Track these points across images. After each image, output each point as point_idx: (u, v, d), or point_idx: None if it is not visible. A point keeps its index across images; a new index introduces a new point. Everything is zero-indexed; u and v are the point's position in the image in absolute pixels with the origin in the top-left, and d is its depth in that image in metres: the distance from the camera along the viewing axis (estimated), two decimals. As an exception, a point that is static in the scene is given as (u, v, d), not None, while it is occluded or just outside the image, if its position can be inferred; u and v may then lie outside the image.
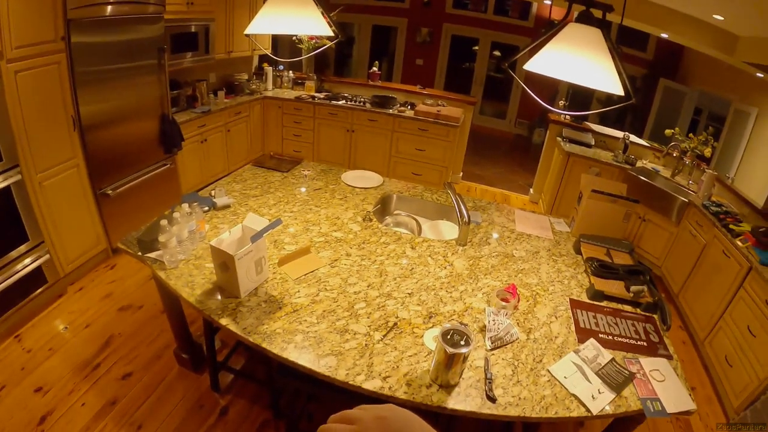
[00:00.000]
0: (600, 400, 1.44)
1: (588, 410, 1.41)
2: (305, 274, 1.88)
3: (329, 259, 2.01)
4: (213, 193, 2.36)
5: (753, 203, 3.27)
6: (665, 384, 1.55)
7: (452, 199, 2.28)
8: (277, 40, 5.75)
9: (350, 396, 1.41)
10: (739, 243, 2.79)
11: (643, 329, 1.81)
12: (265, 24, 1.71)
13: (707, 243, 3.17)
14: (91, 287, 2.99)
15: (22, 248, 2.51)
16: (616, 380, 1.53)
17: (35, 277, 2.62)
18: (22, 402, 2.17)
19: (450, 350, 1.30)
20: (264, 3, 1.75)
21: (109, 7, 2.72)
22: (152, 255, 1.88)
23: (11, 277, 2.45)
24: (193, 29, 3.77)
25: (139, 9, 2.94)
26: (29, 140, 2.46)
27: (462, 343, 1.33)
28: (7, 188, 2.37)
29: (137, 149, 3.23)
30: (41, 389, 2.25)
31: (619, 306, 1.93)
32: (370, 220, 2.39)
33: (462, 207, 2.22)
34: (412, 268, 2.02)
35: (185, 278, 1.78)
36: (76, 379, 2.32)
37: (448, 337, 1.34)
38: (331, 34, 1.90)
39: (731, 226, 2.97)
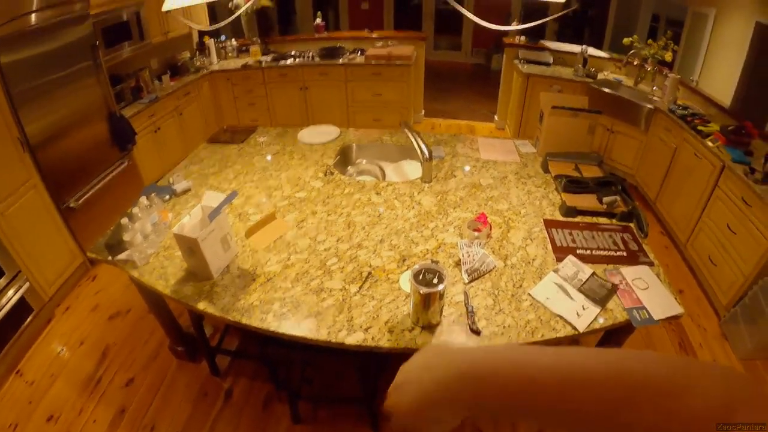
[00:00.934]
0: (585, 316, 1.45)
1: (574, 328, 1.42)
2: (273, 242, 1.86)
3: (295, 221, 1.99)
4: (171, 180, 2.29)
5: (719, 103, 3.27)
6: (649, 291, 1.56)
7: (410, 137, 2.24)
8: (215, 13, 5.48)
9: (340, 353, 1.42)
10: (710, 143, 2.79)
11: (621, 239, 1.82)
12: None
13: (677, 147, 3.17)
14: (78, 304, 2.95)
15: (1, 282, 2.46)
16: (599, 294, 1.53)
17: (21, 309, 2.57)
18: None
19: (424, 290, 1.30)
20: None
21: (33, 16, 2.54)
22: (122, 256, 1.83)
23: None
24: (124, 17, 3.56)
25: (63, 11, 2.75)
26: None
27: (435, 281, 1.32)
28: None
29: (92, 154, 3.12)
30: (52, 417, 2.25)
31: (594, 219, 1.93)
32: (332, 173, 2.35)
33: (421, 144, 2.18)
34: (380, 214, 2.00)
35: (158, 271, 1.75)
36: (82, 398, 2.33)
37: (420, 277, 1.33)
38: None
39: (699, 128, 2.97)
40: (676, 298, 1.52)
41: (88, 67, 3.01)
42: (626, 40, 4.00)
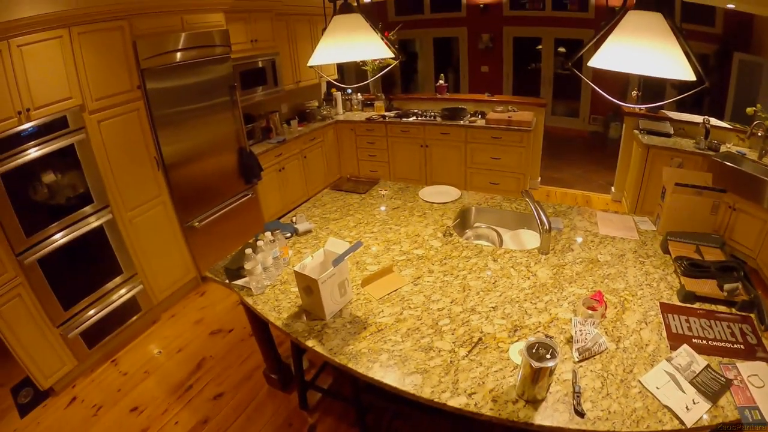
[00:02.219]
0: (694, 411, 1.36)
1: (682, 422, 1.33)
2: (388, 294, 1.93)
3: (412, 276, 2.05)
4: (294, 219, 2.49)
5: None
6: (765, 390, 1.43)
7: (531, 207, 2.24)
8: (342, 65, 5.94)
9: (435, 412, 1.43)
10: None
11: (740, 330, 1.68)
12: (325, 54, 1.79)
13: None
14: (183, 313, 3.21)
15: (117, 280, 2.78)
16: (712, 389, 1.43)
17: (130, 306, 2.88)
18: (118, 421, 2.36)
19: (536, 364, 1.29)
20: (323, 33, 1.82)
21: (179, 54, 2.96)
22: (239, 282, 2.01)
23: (108, 306, 2.73)
24: (260, 64, 4.00)
25: (206, 52, 3.17)
26: (117, 182, 2.72)
27: (548, 356, 1.31)
28: (100, 227, 2.64)
29: (219, 182, 3.46)
30: (137, 409, 2.42)
31: (713, 307, 1.81)
32: (451, 234, 2.40)
33: (542, 214, 2.17)
34: (495, 281, 2.01)
35: (272, 303, 1.89)
36: (170, 399, 2.49)
37: (534, 350, 1.33)
38: (392, 55, 1.93)
39: None
40: None
41: (225, 102, 3.40)
42: (749, 110, 3.73)
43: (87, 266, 2.65)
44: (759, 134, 3.69)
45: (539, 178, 5.35)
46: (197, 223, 3.29)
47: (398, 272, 2.08)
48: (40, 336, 2.42)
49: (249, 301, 1.92)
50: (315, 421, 2.37)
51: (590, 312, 1.68)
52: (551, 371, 1.32)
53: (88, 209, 2.60)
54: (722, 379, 1.46)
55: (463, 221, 2.71)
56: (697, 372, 1.49)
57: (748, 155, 3.76)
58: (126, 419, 2.38)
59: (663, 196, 2.42)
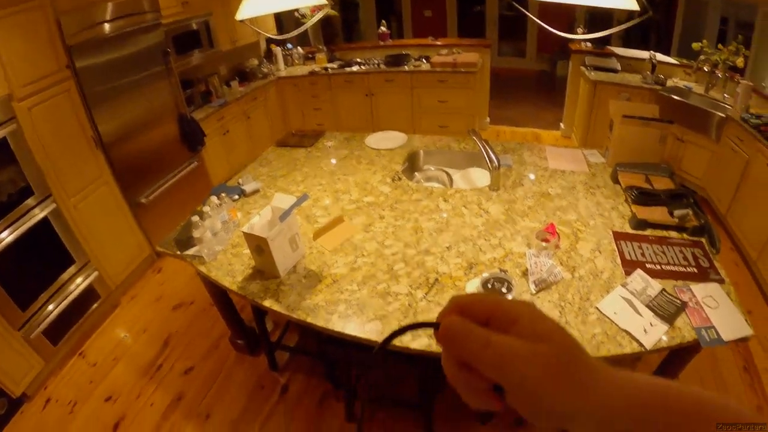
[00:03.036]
0: (653, 334, 1.39)
1: (641, 345, 1.36)
2: (341, 244, 1.89)
3: (363, 224, 2.01)
4: (240, 181, 2.39)
5: None
6: (719, 310, 1.48)
7: (479, 145, 2.22)
8: (281, 21, 5.68)
9: (401, 358, 1.42)
10: None
11: (692, 255, 1.73)
12: (254, 5, 1.67)
13: (750, 158, 2.97)
14: (143, 293, 3.10)
15: (71, 270, 2.63)
16: (668, 311, 1.47)
17: (88, 295, 2.74)
18: (94, 413, 2.29)
19: (492, 299, 1.27)
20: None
21: (107, 26, 2.73)
22: (191, 252, 1.92)
23: (66, 299, 2.58)
24: (194, 27, 3.75)
25: (136, 20, 2.94)
26: (56, 169, 2.53)
27: (504, 290, 1.30)
28: (45, 218, 2.46)
29: (162, 154, 3.29)
30: (111, 398, 2.36)
31: (665, 233, 1.85)
32: (400, 179, 2.37)
33: (490, 152, 2.16)
34: (448, 221, 1.99)
35: (225, 268, 1.82)
36: (141, 382, 2.43)
37: (489, 285, 1.32)
38: (324, 1, 1.85)
39: None
40: (746, 320, 1.43)
41: (160, 71, 3.18)
42: (695, 45, 3.79)
43: (38, 261, 2.49)
44: (705, 69, 3.75)
45: (488, 118, 5.37)
46: (144, 199, 3.13)
47: (349, 221, 2.04)
48: (2, 342, 2.27)
49: (202, 269, 1.84)
50: (286, 380, 2.37)
51: (544, 244, 1.69)
52: (509, 304, 1.31)
53: (30, 202, 2.41)
54: (677, 301, 1.50)
55: (411, 165, 2.68)
56: (653, 296, 1.53)
57: (695, 89, 3.83)
58: (102, 410, 2.32)
59: (611, 128, 2.44)
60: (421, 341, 1.39)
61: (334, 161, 2.64)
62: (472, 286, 1.58)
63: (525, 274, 1.63)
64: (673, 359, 1.68)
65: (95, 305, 2.81)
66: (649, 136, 2.30)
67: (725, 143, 3.31)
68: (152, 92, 3.16)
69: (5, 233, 2.29)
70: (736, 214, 3.18)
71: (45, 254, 2.52)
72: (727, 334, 1.39)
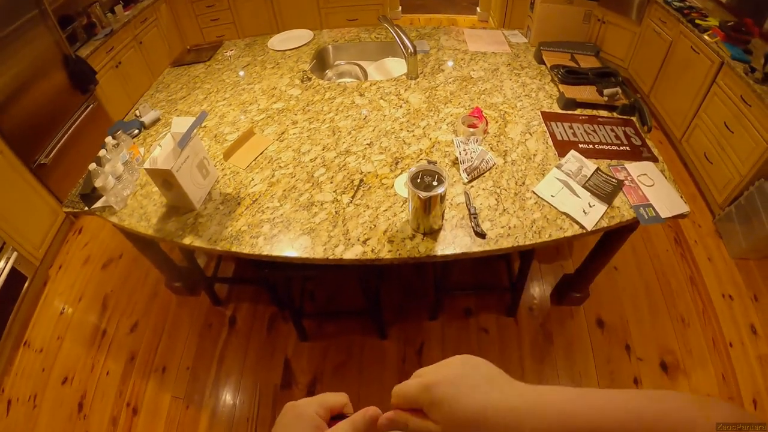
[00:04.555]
0: (592, 214, 1.38)
1: (582, 227, 1.34)
2: (255, 159, 1.72)
3: (275, 134, 1.84)
4: (138, 112, 2.12)
5: None
6: (655, 188, 1.48)
7: (391, 32, 2.05)
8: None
9: (339, 266, 1.34)
10: (707, 38, 2.60)
11: (624, 133, 1.71)
12: None
13: (674, 40, 2.99)
14: (69, 260, 2.87)
15: None
16: (605, 191, 1.45)
17: (14, 279, 2.48)
18: (57, 400, 2.18)
19: (423, 194, 1.19)
20: None
21: None
22: (98, 204, 1.71)
23: None
24: (60, -48, 3.18)
25: None
26: None
27: (435, 183, 1.21)
28: None
29: (54, 105, 2.90)
30: (67, 379, 2.24)
31: (594, 112, 1.81)
32: (309, 79, 2.18)
33: (404, 38, 2.00)
34: (365, 117, 1.86)
35: (138, 212, 1.63)
36: (92, 353, 2.32)
37: (419, 180, 1.22)
38: None
39: (697, 21, 2.77)
40: (681, 196, 1.44)
41: (33, 17, 2.73)
42: None
43: None
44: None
45: (400, 8, 5.18)
46: (45, 159, 2.78)
47: (260, 133, 1.86)
48: None
49: (114, 220, 1.64)
50: (232, 312, 2.31)
51: (471, 130, 1.60)
52: (442, 197, 1.23)
53: None
54: (614, 180, 1.48)
55: (321, 63, 2.49)
56: (588, 176, 1.50)
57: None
58: (62, 394, 2.20)
59: (532, 7, 2.33)
60: (355, 250, 1.31)
61: (240, 72, 2.40)
62: (402, 182, 1.49)
63: (455, 163, 1.55)
64: (610, 239, 1.70)
65: (25, 287, 2.56)
66: (573, 14, 2.23)
67: (647, 25, 3.30)
68: (29, 42, 2.72)
69: None
70: (660, 94, 3.24)
71: None
72: (664, 212, 1.40)
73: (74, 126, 3.01)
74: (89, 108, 3.16)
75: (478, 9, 5.02)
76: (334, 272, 1.46)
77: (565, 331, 2.11)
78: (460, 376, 0.43)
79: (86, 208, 1.74)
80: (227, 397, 2.02)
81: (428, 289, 2.24)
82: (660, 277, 2.32)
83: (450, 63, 2.19)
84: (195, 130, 1.49)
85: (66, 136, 2.94)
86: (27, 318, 2.58)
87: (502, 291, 2.19)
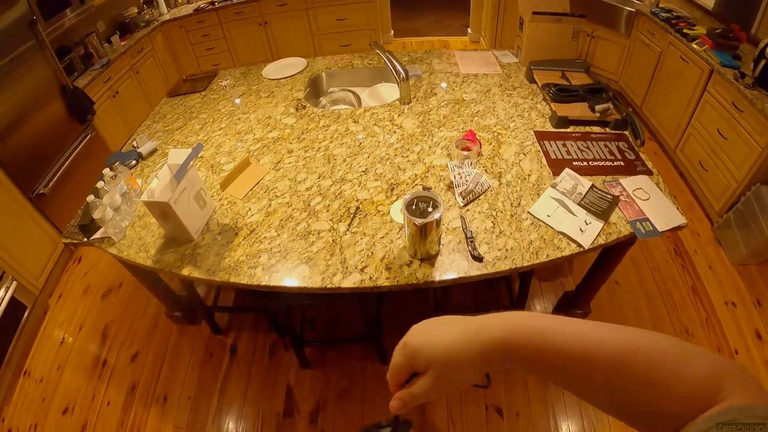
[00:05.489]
0: (589, 232, 1.38)
1: (579, 245, 1.35)
2: (251, 189, 1.73)
3: (271, 163, 1.86)
4: (135, 143, 2.14)
5: (703, 5, 3.06)
6: (651, 202, 1.48)
7: (383, 58, 2.08)
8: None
9: (339, 294, 1.34)
10: (696, 47, 2.64)
11: (617, 148, 1.72)
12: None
13: (663, 51, 3.03)
14: (69, 289, 2.86)
15: None
16: (601, 207, 1.46)
17: (14, 308, 2.47)
18: (58, 430, 2.16)
19: (419, 221, 1.19)
20: None
21: None
22: (97, 235, 1.71)
23: None
24: (58, -16, 3.23)
25: None
26: None
27: (430, 209, 1.22)
28: None
29: (52, 135, 2.92)
30: (67, 409, 2.22)
31: (587, 129, 1.82)
32: (304, 107, 2.20)
33: (396, 63, 2.03)
34: (360, 143, 1.88)
35: (136, 243, 1.63)
36: (92, 382, 2.30)
37: (414, 207, 1.23)
38: None
39: (685, 31, 2.81)
40: (677, 208, 1.45)
41: (30, 47, 2.76)
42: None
43: None
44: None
45: (392, 32, 5.22)
46: (44, 189, 2.79)
47: (256, 163, 1.88)
48: None
49: (113, 251, 1.65)
50: (233, 341, 2.30)
51: (465, 153, 1.61)
52: (438, 223, 1.23)
53: None
54: (609, 196, 1.49)
55: (315, 90, 2.52)
56: (584, 193, 1.51)
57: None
58: (63, 424, 2.18)
59: (521, 27, 2.35)
60: (353, 278, 1.31)
61: (237, 101, 2.42)
62: (397, 208, 1.50)
63: (450, 187, 1.56)
64: (609, 254, 1.70)
65: (24, 316, 2.55)
66: (562, 32, 2.25)
67: (636, 37, 3.34)
68: (26, 72, 2.74)
69: None
70: (652, 106, 3.27)
71: None
72: (661, 225, 1.40)
73: (72, 156, 3.03)
74: (87, 137, 3.18)
75: (469, 30, 5.07)
76: (334, 299, 1.46)
77: (568, 348, 2.10)
78: (427, 325, 0.50)
79: (85, 239, 1.74)
80: (229, 426, 2.00)
81: (429, 312, 2.20)
82: (661, 288, 2.31)
83: (443, 86, 2.21)
84: (191, 162, 1.50)
85: (64, 165, 2.96)
86: (27, 347, 2.57)
87: (503, 311, 2.18)
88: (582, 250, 1.34)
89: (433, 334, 0.49)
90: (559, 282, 2.34)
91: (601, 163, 1.66)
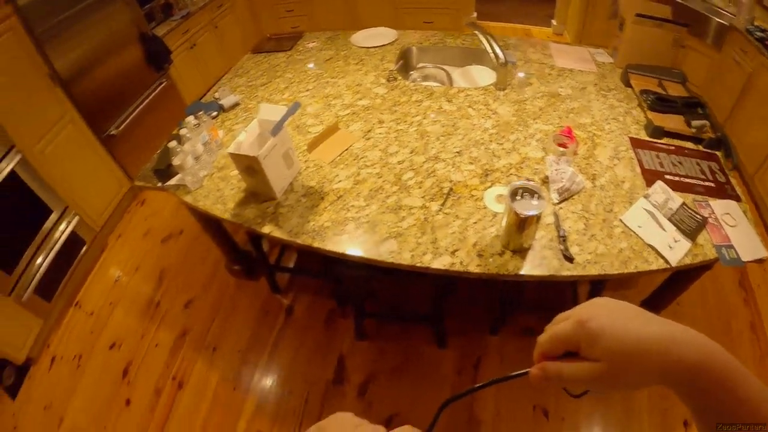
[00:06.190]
0: (677, 250, 1.32)
1: (667, 261, 1.28)
2: (339, 155, 1.71)
3: (361, 131, 1.83)
4: (217, 95, 2.15)
5: None
6: (738, 229, 1.40)
7: (481, 39, 2.02)
8: None
9: (413, 273, 1.33)
10: None
11: (708, 168, 1.63)
12: None
13: (754, 71, 2.82)
14: (129, 230, 2.93)
15: (52, 219, 2.43)
16: (690, 226, 1.38)
17: (73, 242, 2.57)
18: (102, 363, 2.22)
19: (523, 213, 1.16)
20: None
21: None
22: (173, 182, 1.73)
23: (50, 253, 2.40)
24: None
25: None
26: (14, 117, 2.26)
27: (533, 201, 1.19)
28: (12, 172, 2.22)
29: (128, 79, 2.99)
30: (115, 344, 2.28)
31: (680, 143, 1.73)
32: (395, 79, 2.15)
33: (496, 47, 1.96)
34: (454, 123, 1.82)
35: (214, 195, 1.64)
36: (143, 323, 2.34)
37: (518, 198, 1.20)
38: None
39: None
40: (762, 240, 1.37)
41: None
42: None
43: (14, 221, 2.27)
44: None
45: (475, 14, 5.02)
46: (116, 131, 2.87)
47: (345, 129, 1.85)
48: None
49: (188, 199, 1.66)
50: (291, 302, 2.31)
51: (562, 149, 1.56)
52: (538, 218, 1.20)
53: None
54: (698, 216, 1.42)
55: (405, 64, 2.46)
56: (674, 209, 1.44)
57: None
58: (109, 358, 2.24)
59: (621, 27, 2.26)
60: (444, 260, 1.29)
61: (315, 65, 2.39)
62: (492, 195, 1.47)
63: (545, 181, 1.51)
64: (684, 275, 1.63)
65: (83, 251, 2.64)
66: (662, 38, 2.16)
67: (727, 53, 3.15)
68: (107, 16, 2.79)
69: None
70: (735, 125, 3.08)
71: (19, 211, 2.31)
72: (745, 255, 1.33)
73: (146, 102, 3.10)
74: (162, 85, 3.24)
75: (554, 22, 4.87)
76: (406, 276, 1.44)
77: (623, 362, 2.05)
78: (613, 310, 0.44)
79: (159, 185, 1.76)
80: (276, 386, 2.02)
81: (494, 303, 2.18)
82: (722, 317, 2.21)
83: (537, 77, 2.14)
84: (287, 120, 1.49)
85: (137, 110, 3.03)
86: (81, 280, 2.65)
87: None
88: (669, 267, 1.29)
89: (624, 324, 0.42)
90: (621, 293, 2.27)
91: (693, 181, 1.57)
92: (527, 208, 1.17)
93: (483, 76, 2.26)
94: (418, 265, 1.28)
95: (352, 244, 1.37)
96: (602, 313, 0.43)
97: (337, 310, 2.24)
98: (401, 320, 2.16)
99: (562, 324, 0.44)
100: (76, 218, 2.59)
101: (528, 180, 1.30)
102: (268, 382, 2.05)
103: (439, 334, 1.96)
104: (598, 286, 1.74)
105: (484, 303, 2.23)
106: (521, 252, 1.30)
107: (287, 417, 1.92)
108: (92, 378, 2.18)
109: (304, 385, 2.00)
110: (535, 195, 1.19)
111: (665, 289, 1.80)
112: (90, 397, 2.11)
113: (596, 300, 0.46)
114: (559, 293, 2.22)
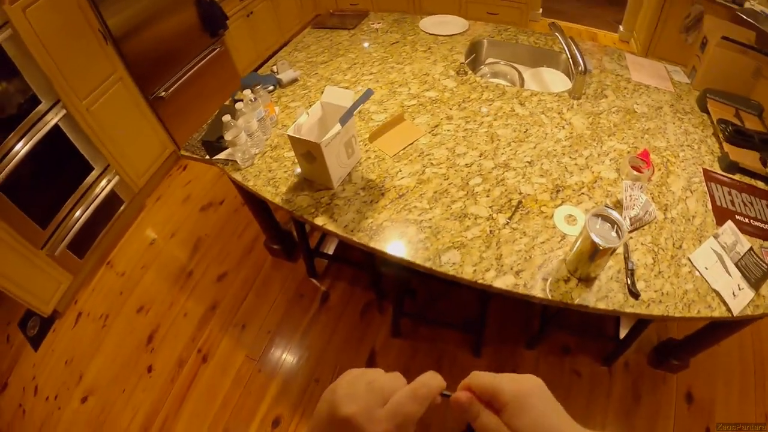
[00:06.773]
0: (740, 298, 1.23)
1: (729, 310, 1.21)
2: (404, 149, 1.63)
3: (428, 125, 1.74)
4: (275, 68, 2.09)
5: None
6: None
7: (562, 43, 1.90)
8: None
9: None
10: None
11: None
12: None
13: None
14: (169, 194, 2.92)
15: (89, 179, 2.45)
16: (755, 275, 1.29)
17: (111, 201, 2.59)
18: (127, 326, 2.22)
19: (603, 244, 1.09)
20: None
21: None
22: (222, 156, 1.68)
23: (87, 209, 2.43)
24: None
25: None
26: (62, 71, 2.26)
27: (613, 234, 1.12)
28: (56, 126, 2.24)
29: (181, 42, 2.95)
30: (143, 308, 2.28)
31: (752, 181, 1.62)
32: (465, 72, 2.05)
33: (576, 53, 1.85)
34: (526, 129, 1.72)
35: (265, 175, 1.59)
36: (173, 290, 2.33)
37: (597, 227, 1.13)
38: None
39: None
40: None
41: None
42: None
43: (54, 175, 2.30)
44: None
45: (541, 10, 4.86)
46: (164, 93, 2.85)
47: (411, 120, 1.76)
48: (27, 264, 2.15)
49: (237, 177, 1.61)
50: (327, 288, 2.27)
51: (636, 173, 1.48)
52: (613, 250, 1.14)
53: (40, 109, 2.17)
54: (764, 265, 1.32)
55: (475, 57, 2.35)
56: (742, 254, 1.35)
57: (774, 19, 3.38)
58: (135, 321, 2.25)
59: (703, 47, 2.13)
60: (506, 279, 1.24)
61: (381, 47, 2.29)
62: (562, 214, 1.40)
63: (616, 206, 1.44)
64: (729, 322, 1.52)
65: (120, 210, 2.66)
66: (744, 65, 2.03)
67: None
68: None
69: (18, 146, 2.08)
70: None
71: (60, 165, 2.32)
72: None
73: (197, 66, 3.07)
74: (215, 51, 3.21)
75: (621, 27, 4.67)
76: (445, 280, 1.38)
77: (655, 396, 1.98)
78: (548, 398, 0.46)
79: (207, 157, 1.72)
80: (303, 372, 2.00)
81: (533, 318, 2.13)
82: (757, 363, 2.12)
83: (612, 89, 2.03)
84: (358, 108, 1.43)
85: (188, 74, 3.00)
86: (115, 240, 2.65)
87: (606, 339, 2.07)
88: (730, 315, 1.21)
89: (550, 411, 0.45)
90: (663, 324, 2.20)
91: (762, 225, 1.48)
92: (607, 239, 1.11)
93: (555, 80, 2.16)
94: (480, 281, 1.23)
95: (414, 251, 1.31)
96: (538, 395, 0.46)
97: (374, 303, 2.19)
98: (441, 324, 2.10)
99: (504, 382, 0.46)
100: (117, 177, 2.60)
101: (608, 207, 1.23)
102: (296, 367, 2.02)
103: (476, 343, 1.92)
104: (645, 321, 1.67)
105: (524, 315, 2.18)
106: (588, 281, 1.24)
107: (309, 405, 1.90)
108: (116, 339, 2.19)
109: (332, 375, 1.98)
110: (615, 226, 1.13)
111: (713, 330, 1.71)
112: (112, 359, 2.12)
113: (534, 379, 0.47)
114: (602, 318, 2.16)
